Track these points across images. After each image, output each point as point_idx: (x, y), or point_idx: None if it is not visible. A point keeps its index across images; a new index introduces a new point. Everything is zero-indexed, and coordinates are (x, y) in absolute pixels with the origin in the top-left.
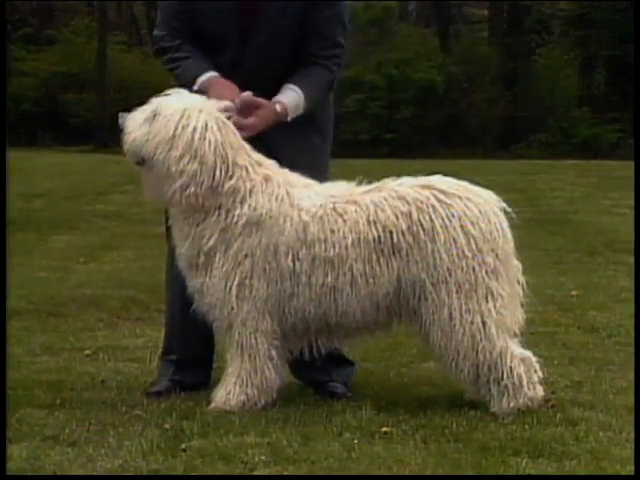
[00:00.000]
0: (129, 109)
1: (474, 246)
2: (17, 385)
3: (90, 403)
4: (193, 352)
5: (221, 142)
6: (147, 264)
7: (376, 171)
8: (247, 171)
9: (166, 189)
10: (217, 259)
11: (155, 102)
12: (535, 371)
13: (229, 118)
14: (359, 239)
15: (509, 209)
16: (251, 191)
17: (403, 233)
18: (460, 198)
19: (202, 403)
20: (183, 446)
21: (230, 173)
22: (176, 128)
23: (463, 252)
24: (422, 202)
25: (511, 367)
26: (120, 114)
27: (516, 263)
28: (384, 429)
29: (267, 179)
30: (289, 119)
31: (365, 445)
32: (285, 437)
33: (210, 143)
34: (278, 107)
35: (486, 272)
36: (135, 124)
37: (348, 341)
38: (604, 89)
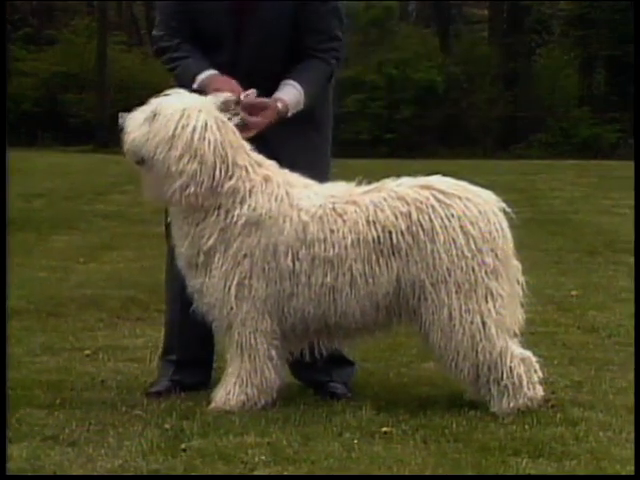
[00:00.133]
0: (129, 109)
1: (473, 246)
2: (17, 385)
3: (90, 403)
4: (193, 352)
5: (221, 142)
6: (147, 264)
7: (376, 171)
8: (247, 171)
9: (166, 189)
10: (216, 259)
11: (155, 102)
12: (535, 371)
13: (236, 114)
14: (358, 239)
15: (509, 209)
16: (251, 191)
17: (402, 233)
18: (459, 198)
19: (202, 403)
20: (183, 446)
21: (230, 173)
22: (176, 128)
23: (462, 252)
24: (421, 202)
25: (511, 367)
26: (120, 114)
27: (516, 263)
28: (384, 429)
29: (267, 179)
30: (289, 115)
31: (365, 445)
32: (285, 437)
33: (210, 143)
34: (279, 105)
35: (486, 272)
36: (135, 124)
37: (348, 341)
38: (604, 89)
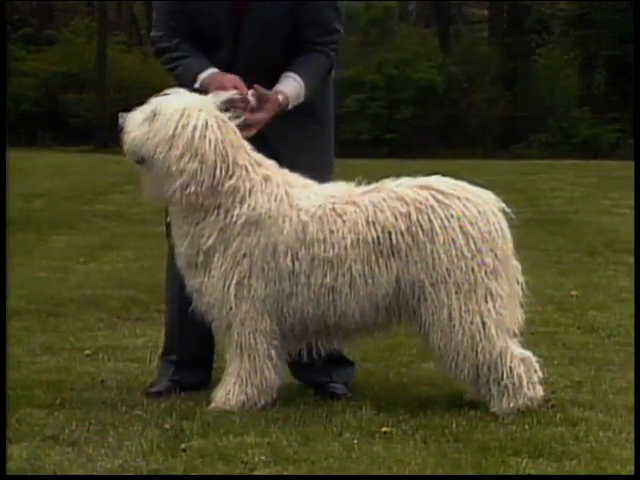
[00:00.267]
0: (129, 109)
1: (473, 246)
2: (17, 385)
3: (90, 403)
4: (193, 352)
5: (221, 141)
6: (147, 264)
7: (376, 171)
8: (247, 171)
9: (166, 188)
10: (216, 258)
11: (155, 102)
12: (535, 371)
13: (238, 117)
14: (358, 240)
15: (508, 209)
16: (250, 191)
17: (402, 234)
18: (459, 198)
19: (202, 403)
20: (183, 446)
21: (230, 172)
22: (176, 127)
23: (462, 252)
24: (421, 203)
25: (511, 367)
26: (120, 114)
27: (515, 263)
28: (384, 429)
29: (266, 179)
30: (290, 107)
31: (365, 445)
32: (285, 437)
33: (210, 142)
34: (280, 97)
35: (485, 272)
36: (135, 124)
37: (347, 342)
38: (604, 89)
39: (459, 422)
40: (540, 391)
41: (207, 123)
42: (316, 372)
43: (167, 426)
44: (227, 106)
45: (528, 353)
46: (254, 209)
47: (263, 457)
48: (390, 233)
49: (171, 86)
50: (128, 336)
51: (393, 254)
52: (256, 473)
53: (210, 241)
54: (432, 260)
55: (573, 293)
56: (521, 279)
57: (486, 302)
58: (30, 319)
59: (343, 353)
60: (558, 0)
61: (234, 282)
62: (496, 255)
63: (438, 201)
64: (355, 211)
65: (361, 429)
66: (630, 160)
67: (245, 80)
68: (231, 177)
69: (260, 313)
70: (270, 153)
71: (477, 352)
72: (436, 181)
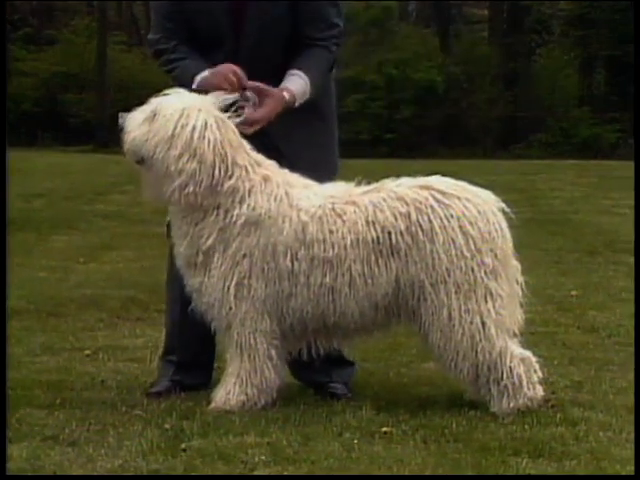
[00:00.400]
0: (129, 109)
1: (473, 246)
2: (17, 385)
3: (90, 403)
4: (193, 354)
5: (220, 141)
6: (147, 264)
7: (376, 171)
8: (246, 171)
9: (165, 188)
10: (215, 259)
11: (154, 102)
12: (535, 371)
13: (239, 116)
14: (358, 240)
15: (508, 209)
16: (250, 191)
17: (402, 234)
18: (459, 198)
19: (202, 403)
20: (183, 446)
21: (230, 173)
22: (175, 127)
23: (462, 252)
24: (421, 203)
25: (511, 367)
26: (120, 114)
27: (515, 263)
28: (384, 429)
29: (266, 179)
30: (297, 105)
31: (365, 445)
32: (285, 437)
33: (209, 142)
34: (286, 95)
35: (485, 272)
36: (135, 124)
37: (346, 342)
38: (604, 89)
39: (459, 422)
40: (540, 391)
41: (206, 123)
42: (316, 372)
43: (167, 426)
44: (227, 107)
45: (528, 353)
46: (254, 209)
47: (263, 457)
48: (390, 233)
49: (171, 86)
50: (128, 336)
51: (393, 254)
52: (256, 473)
53: (209, 241)
54: (432, 260)
55: (573, 293)
56: (521, 279)
57: (486, 302)
58: (30, 319)
59: (343, 353)
60: (558, 0)
61: (234, 282)
62: (496, 255)
63: (438, 201)
64: (355, 211)
65: (361, 429)
66: (630, 160)
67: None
68: (230, 177)
69: (260, 313)
70: (273, 150)
71: (477, 352)
72: (436, 181)
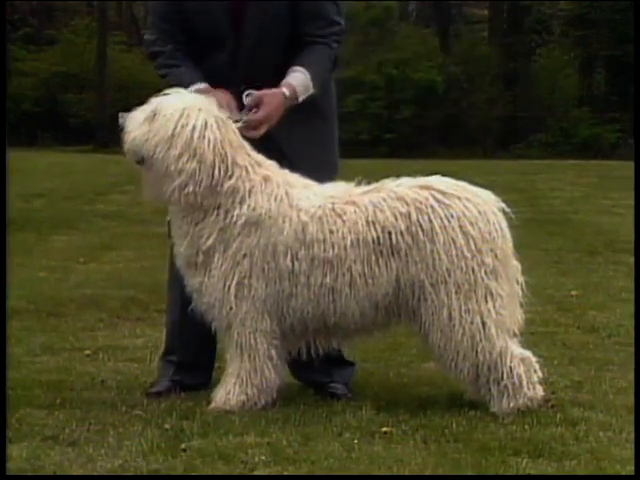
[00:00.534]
0: (129, 109)
1: (473, 246)
2: (17, 385)
3: (90, 403)
4: (193, 354)
5: (220, 140)
6: (147, 264)
7: (376, 171)
8: (247, 171)
9: (165, 188)
10: (216, 259)
11: (155, 102)
12: (535, 371)
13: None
14: (358, 240)
15: (508, 209)
16: (250, 191)
17: (402, 234)
18: (459, 198)
19: (202, 403)
20: (183, 446)
21: (230, 173)
22: (175, 127)
23: (462, 252)
24: (421, 203)
25: (511, 367)
26: (120, 114)
27: (515, 263)
28: (384, 429)
29: (266, 179)
30: (300, 100)
31: (365, 445)
32: (285, 437)
33: (209, 142)
34: (286, 91)
35: (485, 272)
36: (135, 123)
37: (346, 341)
38: (604, 89)
39: (459, 422)
40: (540, 391)
41: (206, 123)
42: (316, 372)
43: (167, 426)
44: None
45: (528, 353)
46: (254, 209)
47: (263, 457)
48: (390, 233)
49: (171, 86)
50: (128, 336)
51: (393, 254)
52: (256, 473)
53: (210, 241)
54: (432, 260)
55: (573, 293)
56: (521, 279)
57: (486, 302)
58: (30, 319)
59: (343, 353)
60: (558, 0)
61: (234, 282)
62: (496, 255)
63: (438, 201)
64: (355, 211)
65: (361, 429)
66: (630, 160)
67: (246, 80)
68: (230, 177)
69: (260, 313)
70: (276, 151)
71: (477, 352)
72: (436, 181)
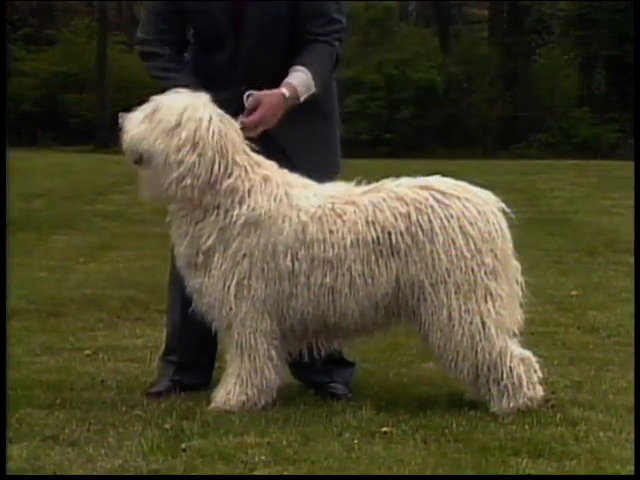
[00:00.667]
0: (129, 109)
1: (473, 246)
2: (17, 385)
3: (90, 403)
4: (194, 355)
5: (225, 134)
6: (147, 264)
7: (376, 171)
8: (246, 171)
9: (163, 180)
10: (216, 259)
11: (156, 100)
12: (535, 371)
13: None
14: (358, 240)
15: (508, 209)
16: (250, 191)
17: (402, 234)
18: (459, 199)
19: (202, 403)
20: (183, 446)
21: (229, 171)
22: (180, 118)
23: (462, 252)
24: (421, 203)
25: (511, 367)
26: (120, 114)
27: (515, 263)
28: (384, 429)
29: (266, 179)
30: (302, 99)
31: (365, 445)
32: (285, 437)
33: (213, 134)
34: (286, 91)
35: (485, 272)
36: (134, 123)
37: (346, 342)
38: (604, 89)
39: (459, 422)
40: (540, 391)
41: (210, 117)
42: (316, 372)
43: (167, 426)
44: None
45: (528, 353)
46: (254, 209)
47: (263, 457)
48: (390, 233)
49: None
50: (128, 336)
51: (393, 254)
52: (256, 473)
53: (210, 241)
54: (432, 260)
55: (573, 293)
56: (521, 279)
57: (486, 302)
58: (30, 319)
59: (343, 353)
60: (558, 0)
61: (234, 282)
62: (496, 255)
63: (438, 201)
64: (355, 211)
65: (361, 429)
66: (630, 160)
67: (246, 80)
68: (230, 176)
69: (260, 313)
70: (278, 152)
71: (477, 352)
72: (436, 181)
